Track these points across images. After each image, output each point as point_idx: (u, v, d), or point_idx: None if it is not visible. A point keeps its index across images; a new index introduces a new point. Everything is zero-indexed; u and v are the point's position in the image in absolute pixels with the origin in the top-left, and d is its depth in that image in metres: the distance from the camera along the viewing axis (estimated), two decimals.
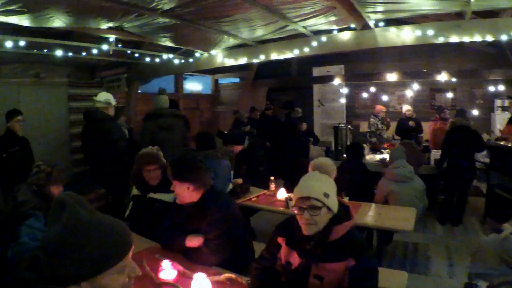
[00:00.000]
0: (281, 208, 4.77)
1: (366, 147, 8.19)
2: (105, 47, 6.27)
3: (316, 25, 5.83)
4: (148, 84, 10.19)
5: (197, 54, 7.61)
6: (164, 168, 3.72)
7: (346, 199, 4.31)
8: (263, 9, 4.99)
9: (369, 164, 6.98)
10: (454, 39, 5.12)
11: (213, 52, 7.37)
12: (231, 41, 6.80)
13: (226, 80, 13.48)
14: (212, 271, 2.63)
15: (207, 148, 5.08)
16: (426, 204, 5.36)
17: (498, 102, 9.36)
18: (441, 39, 5.17)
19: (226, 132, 8.58)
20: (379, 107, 9.34)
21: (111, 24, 5.44)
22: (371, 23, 5.58)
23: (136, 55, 7.61)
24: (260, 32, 6.20)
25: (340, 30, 5.97)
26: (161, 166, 3.75)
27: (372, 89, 10.82)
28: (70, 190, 1.50)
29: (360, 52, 8.92)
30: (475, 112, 9.33)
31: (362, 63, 11.12)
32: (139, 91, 9.71)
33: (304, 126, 9.33)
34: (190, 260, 2.84)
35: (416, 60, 10.39)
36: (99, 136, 5.67)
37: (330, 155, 8.33)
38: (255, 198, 5.19)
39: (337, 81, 10.15)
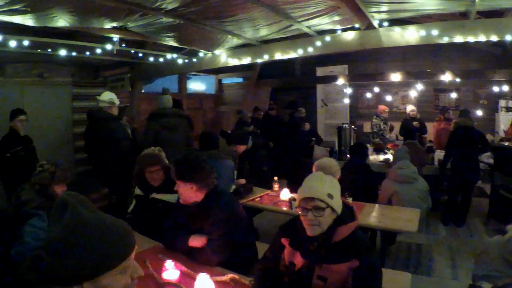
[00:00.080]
0: (285, 209, 4.76)
1: (370, 148, 8.17)
2: (109, 46, 6.28)
3: (320, 24, 5.83)
4: (151, 83, 10.21)
5: (201, 54, 7.61)
6: (166, 169, 3.72)
7: (349, 200, 4.30)
8: (267, 9, 4.99)
9: (373, 164, 6.94)
10: (458, 39, 5.10)
11: (216, 52, 7.37)
12: (235, 41, 6.80)
13: (229, 80, 13.49)
14: (216, 271, 2.62)
15: (211, 148, 5.08)
16: (430, 205, 5.33)
17: (502, 103, 9.33)
18: (445, 39, 5.15)
19: (229, 132, 8.56)
20: (381, 107, 9.29)
21: (115, 24, 5.45)
22: (375, 23, 5.56)
23: (140, 54, 7.62)
24: (264, 32, 6.19)
25: (344, 30, 5.96)
26: (163, 167, 3.75)
27: (376, 89, 10.79)
28: (73, 190, 1.50)
29: (364, 52, 8.91)
30: (479, 113, 9.28)
31: (365, 63, 11.12)
32: (143, 91, 9.72)
33: (307, 126, 9.31)
34: (193, 260, 2.83)
35: (420, 60, 10.37)
36: (102, 135, 5.67)
37: (334, 155, 8.31)
38: (258, 198, 5.18)
39: (340, 81, 10.13)
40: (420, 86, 9.69)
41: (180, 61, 7.82)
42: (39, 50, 6.41)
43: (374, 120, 9.30)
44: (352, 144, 8.14)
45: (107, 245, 1.24)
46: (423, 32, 5.23)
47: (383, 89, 10.87)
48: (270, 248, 2.56)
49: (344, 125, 8.63)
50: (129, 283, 1.33)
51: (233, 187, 5.14)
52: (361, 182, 5.23)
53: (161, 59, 7.96)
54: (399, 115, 10.56)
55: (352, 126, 8.70)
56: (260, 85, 12.13)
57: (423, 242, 5.80)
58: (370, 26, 5.59)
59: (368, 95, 11.27)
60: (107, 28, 5.61)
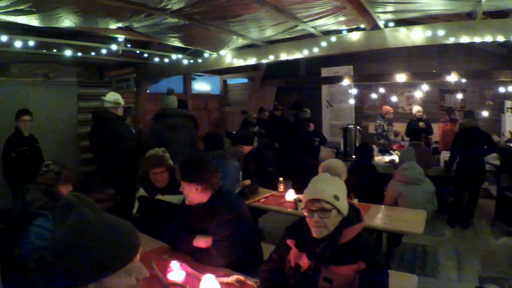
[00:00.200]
0: (290, 210, 4.74)
1: (375, 148, 8.14)
2: (114, 47, 6.28)
3: (326, 25, 5.81)
4: (156, 84, 10.20)
5: (206, 55, 7.60)
6: (171, 170, 3.72)
7: (355, 201, 4.29)
8: (272, 9, 4.98)
9: (378, 165, 6.92)
10: (464, 39, 5.06)
11: (222, 52, 7.37)
12: (240, 42, 6.79)
13: (234, 81, 13.47)
14: (221, 272, 2.61)
15: (216, 149, 5.07)
16: (436, 206, 5.30)
17: (508, 104, 9.26)
18: (451, 40, 5.13)
19: (234, 132, 8.56)
20: (386, 108, 9.26)
21: (120, 24, 5.45)
22: (381, 24, 5.54)
23: (145, 55, 7.63)
24: (269, 32, 6.18)
25: (349, 31, 5.94)
26: (168, 169, 3.74)
27: (381, 90, 10.73)
28: (78, 190, 1.49)
29: (369, 52, 8.91)
30: (485, 114, 9.24)
31: (371, 64, 11.08)
32: (148, 91, 9.73)
33: (312, 126, 9.30)
34: (198, 261, 2.83)
35: (425, 61, 10.33)
36: (107, 135, 5.68)
37: (339, 156, 8.30)
38: (263, 199, 5.17)
39: (345, 81, 10.09)
40: (425, 87, 9.66)
41: (185, 61, 7.83)
42: (44, 51, 6.43)
43: (377, 121, 9.28)
44: (357, 145, 8.13)
45: (112, 247, 1.24)
46: (429, 33, 5.21)
47: (388, 89, 10.82)
48: (276, 249, 2.55)
49: (349, 126, 8.62)
50: (134, 284, 1.33)
51: (239, 188, 5.14)
52: (367, 183, 5.20)
53: (166, 60, 7.96)
54: (404, 116, 10.54)
55: (357, 127, 8.67)
56: (265, 86, 12.13)
57: (428, 243, 5.77)
58: (375, 27, 5.57)
59: (373, 95, 11.21)
60: (112, 29, 5.61)
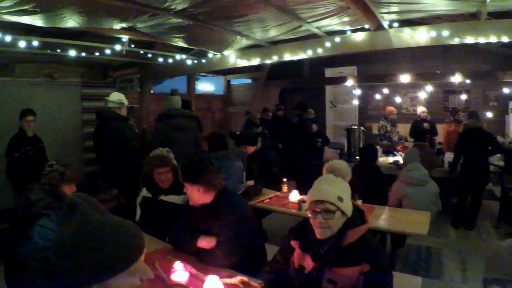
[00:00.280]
0: (294, 210, 4.74)
1: (379, 149, 8.13)
2: (118, 47, 6.29)
3: (330, 25, 5.80)
4: (160, 84, 10.23)
5: (210, 55, 7.60)
6: (175, 170, 3.71)
7: (359, 202, 4.27)
8: (276, 10, 4.97)
9: (382, 166, 6.91)
10: (469, 40, 5.04)
11: (225, 52, 7.36)
12: (244, 42, 6.78)
13: (238, 81, 13.48)
14: (225, 273, 2.61)
15: (219, 149, 5.07)
16: (440, 207, 5.28)
17: None
18: (456, 40, 5.10)
19: (238, 133, 8.56)
20: (390, 109, 9.22)
21: (124, 25, 5.45)
22: (385, 24, 5.52)
23: (149, 55, 7.64)
24: (273, 33, 6.17)
25: (353, 31, 5.92)
26: (172, 169, 3.74)
27: (385, 91, 10.70)
28: (82, 190, 1.49)
29: (373, 53, 8.87)
30: (489, 114, 9.20)
31: (375, 64, 11.05)
32: (152, 92, 9.73)
33: (315, 127, 9.29)
34: (202, 262, 2.82)
35: (429, 61, 10.28)
36: (111, 136, 5.68)
37: (343, 157, 8.29)
38: (267, 200, 5.17)
39: (349, 82, 10.07)
40: (429, 88, 9.64)
41: (189, 62, 7.82)
42: (48, 51, 6.44)
43: (380, 122, 9.26)
44: (361, 145, 8.12)
45: (116, 248, 1.23)
46: (433, 33, 5.19)
47: (392, 90, 10.79)
48: (280, 250, 2.55)
49: (353, 127, 8.60)
50: (138, 285, 1.33)
51: (242, 189, 5.13)
52: (371, 184, 5.19)
53: (170, 60, 7.96)
54: (408, 116, 10.51)
55: (361, 128, 8.66)
56: (269, 86, 12.12)
57: (432, 245, 5.74)
58: (380, 27, 5.55)
59: (377, 96, 11.18)
60: (116, 29, 5.61)
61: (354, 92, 11.17)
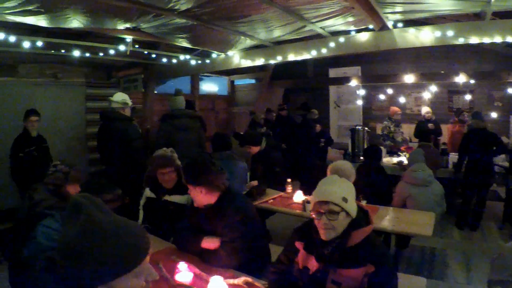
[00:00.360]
0: (298, 211, 4.72)
1: (384, 150, 8.11)
2: (122, 47, 6.30)
3: (334, 25, 5.79)
4: (164, 84, 10.23)
5: (214, 55, 7.61)
6: (179, 171, 3.71)
7: (364, 203, 4.26)
8: (280, 10, 4.97)
9: (386, 166, 6.89)
10: (474, 40, 5.02)
11: (229, 53, 7.37)
12: (248, 42, 6.78)
13: (242, 81, 13.49)
14: (229, 274, 2.60)
15: (223, 149, 5.06)
16: (445, 208, 5.27)
17: None
18: (461, 40, 5.09)
19: (242, 133, 8.55)
20: (394, 109, 9.20)
21: (128, 25, 5.45)
22: (390, 24, 5.51)
23: (153, 55, 7.65)
24: (277, 33, 6.17)
25: (358, 31, 5.92)
26: (175, 169, 3.73)
27: (389, 91, 10.66)
28: (86, 190, 1.49)
29: (377, 53, 8.87)
30: (494, 115, 9.17)
31: (378, 65, 11.03)
32: (155, 92, 9.75)
33: (318, 127, 9.28)
34: (206, 262, 2.82)
35: (433, 61, 10.24)
36: (115, 136, 5.68)
37: (347, 157, 8.27)
38: (271, 200, 5.15)
39: (353, 82, 10.04)
40: (433, 88, 9.61)
41: (193, 62, 7.83)
42: (52, 51, 6.46)
43: (384, 122, 9.25)
44: (365, 146, 8.10)
45: (122, 249, 1.23)
46: (438, 33, 5.17)
47: (396, 90, 10.75)
48: (284, 251, 2.54)
49: (357, 127, 8.59)
50: (143, 286, 1.32)
51: (246, 189, 5.13)
52: (375, 185, 5.18)
53: (174, 60, 7.97)
54: (413, 117, 10.49)
55: (365, 128, 8.64)
56: (273, 86, 12.11)
57: (436, 246, 5.73)
58: (384, 27, 5.54)
59: (381, 96, 11.16)
60: (120, 29, 5.62)
61: (358, 92, 11.14)
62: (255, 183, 5.39)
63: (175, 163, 3.75)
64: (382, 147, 7.22)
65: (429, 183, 5.13)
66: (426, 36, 5.27)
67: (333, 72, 11.95)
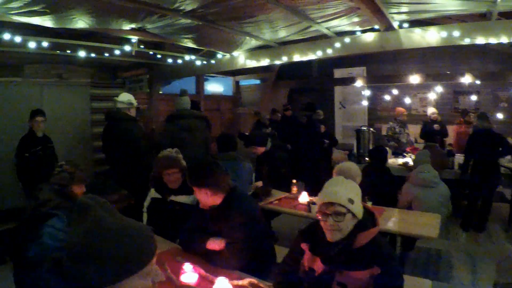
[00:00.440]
0: (303, 212, 4.71)
1: (389, 151, 8.08)
2: (127, 48, 6.31)
3: (340, 26, 5.78)
4: (169, 85, 10.23)
5: (219, 56, 7.61)
6: (184, 171, 3.71)
7: (369, 204, 4.24)
8: (286, 10, 4.96)
9: (392, 168, 6.86)
10: (480, 40, 5.00)
11: (235, 53, 7.36)
12: (253, 42, 6.78)
13: (247, 82, 13.47)
14: (234, 275, 2.60)
15: (229, 150, 5.06)
16: (451, 210, 5.24)
17: None
18: (467, 41, 5.07)
19: (247, 134, 8.55)
20: (399, 110, 9.15)
21: (133, 25, 5.46)
22: (395, 24, 5.49)
23: (158, 56, 7.65)
24: (282, 33, 6.16)
25: (363, 31, 5.90)
26: (181, 170, 3.73)
27: (395, 92, 10.63)
28: (92, 191, 1.49)
29: (382, 53, 8.82)
30: (500, 116, 9.10)
31: (384, 65, 11.00)
32: (161, 92, 9.77)
33: (322, 128, 9.26)
34: (211, 263, 2.82)
35: (439, 62, 10.20)
36: (120, 136, 5.69)
37: (352, 158, 8.25)
38: (276, 201, 5.14)
39: (359, 83, 10.01)
40: (439, 89, 9.55)
41: (198, 62, 7.84)
42: (58, 51, 6.48)
43: (390, 123, 9.21)
44: (370, 147, 8.08)
45: (129, 250, 1.23)
46: (444, 34, 5.15)
47: (402, 91, 10.72)
48: (290, 252, 2.54)
49: (362, 128, 8.57)
50: (149, 287, 1.32)
51: (251, 190, 5.12)
52: (381, 186, 5.16)
53: (179, 61, 7.98)
54: (418, 117, 10.45)
55: (371, 129, 8.62)
56: (278, 87, 12.10)
57: (442, 248, 5.70)
58: (390, 28, 5.52)
59: (387, 97, 11.13)
60: (126, 30, 5.63)
61: (363, 93, 11.09)
62: (260, 183, 5.38)
63: (180, 164, 3.74)
64: (387, 148, 7.20)
65: (435, 184, 5.10)
66: (432, 36, 5.26)
67: (338, 73, 11.91)
